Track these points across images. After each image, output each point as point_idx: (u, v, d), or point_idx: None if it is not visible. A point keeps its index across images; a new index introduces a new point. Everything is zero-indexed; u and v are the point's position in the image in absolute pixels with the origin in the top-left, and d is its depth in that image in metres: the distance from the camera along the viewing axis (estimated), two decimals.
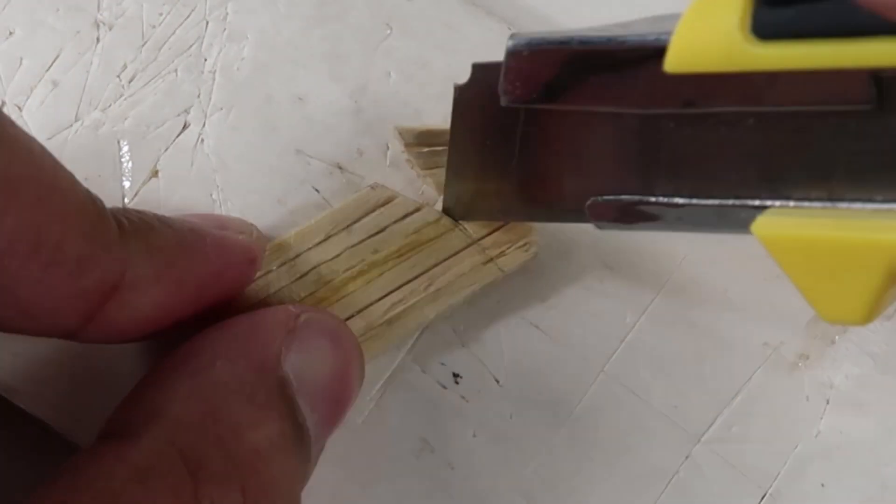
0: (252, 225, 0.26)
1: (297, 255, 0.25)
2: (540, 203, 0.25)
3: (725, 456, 0.25)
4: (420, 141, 0.27)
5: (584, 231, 0.27)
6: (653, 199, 0.22)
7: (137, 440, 0.19)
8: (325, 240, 0.26)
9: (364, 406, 0.26)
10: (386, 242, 0.25)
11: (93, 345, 0.22)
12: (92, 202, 0.20)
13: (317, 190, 0.27)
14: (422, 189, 0.27)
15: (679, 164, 0.22)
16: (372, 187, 0.26)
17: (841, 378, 0.26)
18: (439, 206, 0.26)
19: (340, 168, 0.27)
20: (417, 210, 0.26)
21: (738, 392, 0.26)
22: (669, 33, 0.20)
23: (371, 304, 0.25)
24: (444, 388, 0.26)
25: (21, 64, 0.28)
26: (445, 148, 0.26)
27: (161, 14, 0.29)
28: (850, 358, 0.26)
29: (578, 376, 0.26)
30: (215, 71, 0.28)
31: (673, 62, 0.19)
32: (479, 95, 0.24)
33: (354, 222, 0.26)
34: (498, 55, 0.27)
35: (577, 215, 0.23)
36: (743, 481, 0.25)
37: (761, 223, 0.20)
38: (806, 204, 0.20)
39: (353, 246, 0.25)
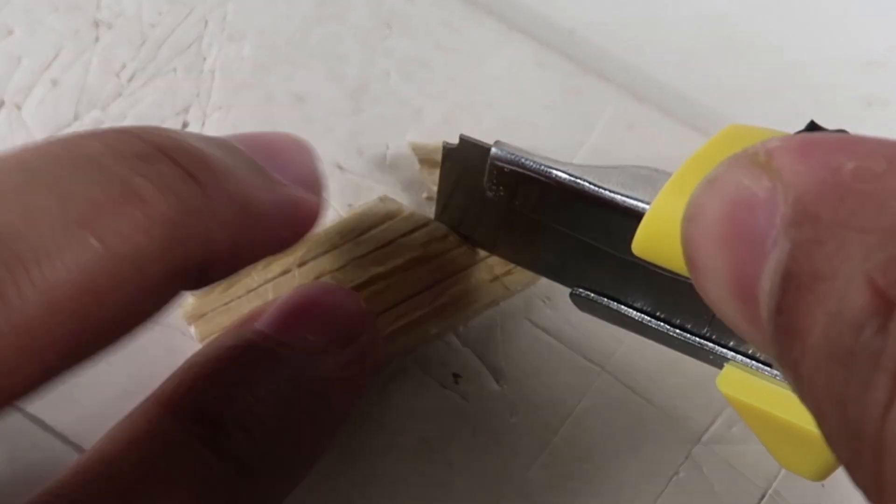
0: (311, 153, 0.22)
1: (303, 264, 0.25)
2: (522, 261, 0.25)
3: (725, 456, 0.25)
4: (432, 156, 0.26)
5: None
6: (632, 311, 0.23)
7: None
8: (331, 250, 0.25)
9: (364, 406, 0.26)
10: (393, 256, 0.25)
11: None
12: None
13: None
14: (424, 192, 0.27)
15: (654, 290, 0.22)
16: (381, 199, 0.26)
17: None
18: None
19: (340, 168, 0.27)
20: (426, 225, 0.26)
21: None
22: (639, 210, 0.20)
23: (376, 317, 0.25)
24: (444, 387, 0.26)
25: (20, 63, 0.28)
26: None
27: (160, 13, 0.28)
28: None
29: (578, 376, 0.26)
30: (215, 70, 0.28)
31: (638, 249, 0.19)
32: (465, 166, 0.24)
33: (362, 234, 0.26)
34: (500, 56, 0.27)
35: (558, 278, 0.24)
36: (742, 481, 0.25)
37: (725, 376, 0.21)
38: (766, 369, 0.21)
39: (359, 257, 0.25)
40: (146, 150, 0.17)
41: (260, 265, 0.25)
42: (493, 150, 0.22)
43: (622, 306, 0.23)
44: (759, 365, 0.21)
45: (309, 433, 0.22)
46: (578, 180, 0.21)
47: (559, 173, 0.21)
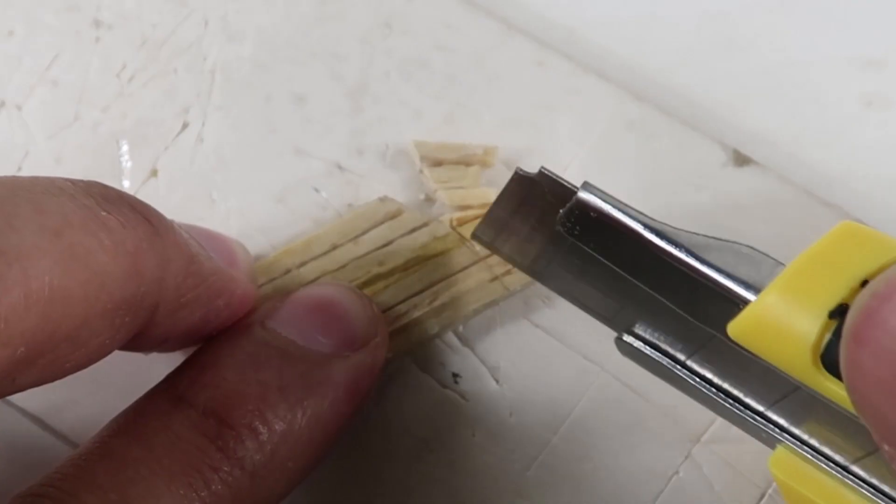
0: (246, 251, 0.25)
1: (303, 264, 0.25)
2: (565, 292, 0.24)
3: (725, 456, 0.25)
4: (435, 155, 0.26)
5: None
6: (679, 369, 0.22)
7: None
8: (331, 250, 0.26)
9: (364, 406, 0.26)
10: (392, 256, 0.25)
11: None
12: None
13: (316, 189, 0.27)
14: (423, 193, 0.27)
15: (721, 360, 0.22)
16: (381, 199, 0.26)
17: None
18: (444, 217, 0.26)
19: (340, 167, 0.27)
20: (425, 224, 0.26)
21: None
22: (742, 296, 0.19)
23: None
24: (444, 387, 0.26)
25: (21, 63, 0.28)
26: (458, 163, 0.26)
27: (161, 13, 0.29)
28: None
29: (578, 375, 0.26)
30: (215, 70, 0.28)
31: (736, 333, 0.19)
32: (537, 195, 0.23)
33: (362, 234, 0.26)
34: (499, 55, 0.27)
35: (605, 320, 0.24)
36: (742, 481, 0.25)
37: (777, 458, 0.21)
38: (818, 458, 0.21)
39: (359, 257, 0.25)
40: (109, 194, 0.19)
41: (261, 264, 0.25)
42: (582, 193, 0.21)
43: (678, 365, 0.22)
44: (812, 452, 0.21)
45: (318, 436, 0.22)
46: (676, 250, 0.21)
47: (654, 237, 0.21)
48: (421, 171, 0.27)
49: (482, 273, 0.25)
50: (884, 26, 0.29)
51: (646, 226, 0.21)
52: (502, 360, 0.26)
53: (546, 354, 0.26)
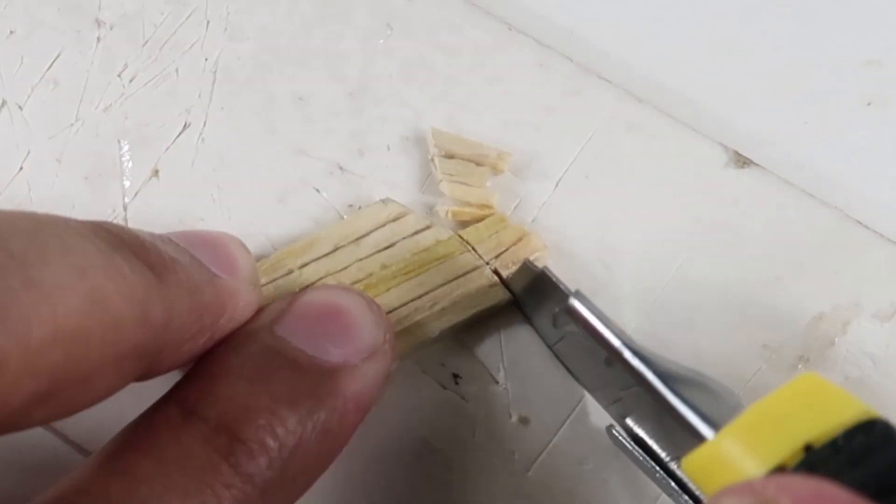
0: (247, 251, 0.25)
1: (305, 265, 0.25)
2: (572, 371, 0.26)
3: None
4: (449, 147, 0.26)
5: (584, 233, 0.27)
6: (659, 471, 0.24)
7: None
8: (333, 251, 0.25)
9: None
10: (394, 258, 0.25)
11: None
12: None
13: (317, 190, 0.27)
14: (423, 187, 0.27)
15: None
16: (383, 201, 0.26)
17: (841, 380, 0.26)
18: (440, 207, 0.26)
19: (341, 168, 0.27)
20: (428, 227, 0.26)
21: (738, 393, 0.26)
22: (700, 433, 0.21)
23: None
24: (445, 388, 0.26)
25: (22, 63, 0.28)
26: (470, 160, 0.26)
27: (162, 13, 0.29)
28: (850, 360, 0.26)
29: None
30: (216, 71, 0.28)
31: (688, 469, 0.21)
32: (541, 287, 0.25)
33: (364, 236, 0.26)
34: (500, 56, 0.27)
35: (604, 406, 0.25)
36: None
37: None
38: None
39: (361, 259, 0.25)
40: (114, 239, 0.19)
41: (263, 265, 0.25)
42: (571, 301, 0.23)
43: (651, 461, 0.24)
44: None
45: (326, 448, 0.22)
46: (648, 375, 0.22)
47: (631, 357, 0.22)
48: (432, 159, 0.27)
49: (482, 278, 0.25)
50: (884, 27, 0.29)
51: (625, 345, 0.22)
52: (502, 361, 0.26)
53: (546, 355, 0.26)
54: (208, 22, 0.28)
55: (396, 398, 0.26)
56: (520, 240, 0.26)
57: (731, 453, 0.19)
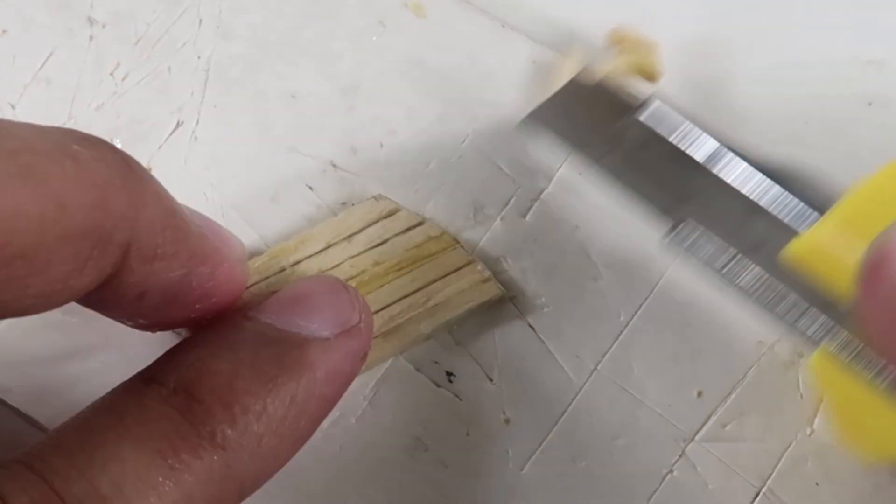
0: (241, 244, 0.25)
1: (297, 263, 0.25)
2: (621, 179, 0.26)
3: (719, 454, 0.25)
4: (620, 49, 0.27)
5: (577, 230, 0.27)
6: (734, 264, 0.24)
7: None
8: (326, 248, 0.25)
9: (357, 405, 0.26)
10: (387, 255, 0.25)
11: (89, 348, 0.22)
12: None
13: (310, 187, 0.27)
14: (417, 185, 0.27)
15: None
16: (376, 198, 0.26)
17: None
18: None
19: (334, 166, 0.27)
20: (420, 224, 0.26)
21: (733, 390, 0.26)
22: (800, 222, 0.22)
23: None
24: (438, 386, 0.26)
25: (14, 62, 0.28)
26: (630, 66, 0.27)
27: (154, 12, 0.28)
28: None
29: (572, 375, 0.26)
30: (208, 69, 0.28)
31: (792, 258, 0.22)
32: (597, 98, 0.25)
33: (356, 233, 0.26)
34: (492, 54, 0.27)
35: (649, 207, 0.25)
36: (737, 480, 0.25)
37: (819, 359, 0.23)
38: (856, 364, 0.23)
39: (353, 256, 0.25)
40: (91, 137, 0.19)
41: (255, 263, 0.25)
42: (656, 101, 0.23)
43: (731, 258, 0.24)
44: (852, 356, 0.23)
45: (292, 416, 0.22)
46: (749, 169, 0.23)
47: (729, 153, 0.23)
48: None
49: (475, 274, 0.25)
50: (883, 27, 0.29)
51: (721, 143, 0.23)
52: (496, 359, 0.26)
53: (540, 354, 0.26)
54: (200, 20, 0.28)
55: (390, 396, 0.26)
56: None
57: (839, 232, 0.21)
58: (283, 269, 0.25)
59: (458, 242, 0.26)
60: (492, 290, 0.25)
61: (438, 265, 0.25)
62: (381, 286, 0.25)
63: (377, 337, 0.25)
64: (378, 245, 0.26)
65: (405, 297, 0.25)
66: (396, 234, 0.26)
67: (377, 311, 0.25)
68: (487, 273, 0.25)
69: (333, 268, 0.25)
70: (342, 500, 0.25)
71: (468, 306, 0.25)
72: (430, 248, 0.26)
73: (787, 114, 0.28)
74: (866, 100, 0.28)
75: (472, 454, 0.25)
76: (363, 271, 0.25)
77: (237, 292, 0.23)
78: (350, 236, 0.26)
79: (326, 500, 0.25)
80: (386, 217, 0.26)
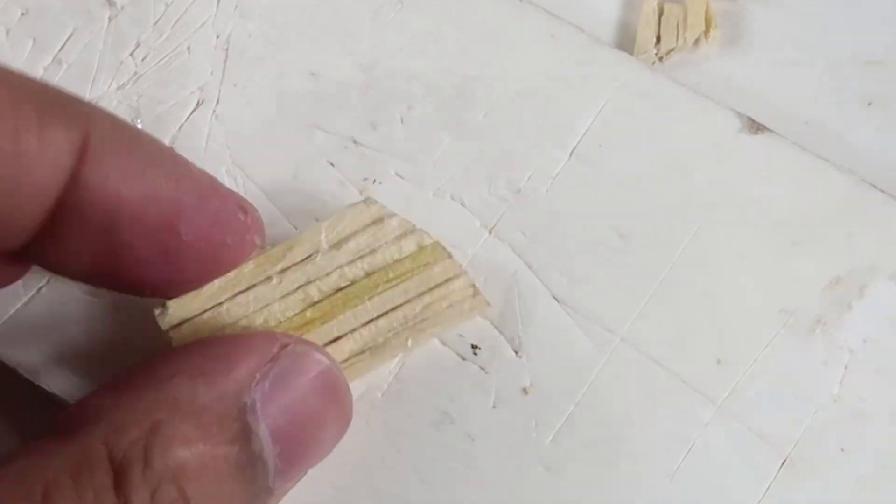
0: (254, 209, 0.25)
1: (285, 270, 0.24)
2: None
3: (744, 422, 0.25)
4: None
5: (597, 201, 0.27)
6: None
7: (73, 438, 0.20)
8: (314, 255, 0.25)
9: (383, 379, 0.26)
10: (376, 264, 0.25)
11: (118, 328, 0.23)
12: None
13: (332, 164, 0.27)
14: (435, 160, 0.27)
15: None
16: (365, 202, 0.25)
17: (859, 343, 0.26)
18: None
19: (355, 142, 0.27)
20: (411, 232, 0.25)
21: (756, 358, 0.26)
22: None
23: (357, 329, 0.25)
24: (464, 359, 0.26)
25: (34, 44, 0.28)
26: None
27: None
28: (869, 323, 0.26)
29: (596, 346, 0.26)
30: (227, 48, 0.28)
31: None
32: None
33: (345, 240, 0.25)
34: (512, 28, 0.27)
35: None
36: (762, 447, 0.25)
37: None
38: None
39: (342, 266, 0.25)
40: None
41: (243, 269, 0.24)
42: None
43: None
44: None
45: None
46: None
47: None
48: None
49: (464, 288, 0.25)
50: (884, 27, 0.29)
51: None
52: (521, 331, 0.26)
53: (564, 325, 0.26)
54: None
55: (415, 370, 0.26)
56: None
57: None
58: (269, 279, 0.24)
59: (448, 253, 0.25)
60: (480, 306, 0.25)
61: (428, 277, 0.25)
62: (371, 298, 0.25)
63: (363, 353, 0.25)
64: (368, 254, 0.25)
65: (394, 309, 0.25)
66: (386, 243, 0.25)
67: (363, 325, 0.25)
68: (476, 287, 0.25)
69: (322, 278, 0.25)
70: (369, 474, 0.25)
71: (454, 321, 0.25)
72: (421, 259, 0.25)
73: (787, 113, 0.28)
74: (866, 100, 0.28)
75: (498, 426, 0.26)
76: (352, 282, 0.25)
77: (243, 249, 0.23)
78: (338, 243, 0.25)
79: (353, 474, 0.25)
80: (376, 223, 0.25)
